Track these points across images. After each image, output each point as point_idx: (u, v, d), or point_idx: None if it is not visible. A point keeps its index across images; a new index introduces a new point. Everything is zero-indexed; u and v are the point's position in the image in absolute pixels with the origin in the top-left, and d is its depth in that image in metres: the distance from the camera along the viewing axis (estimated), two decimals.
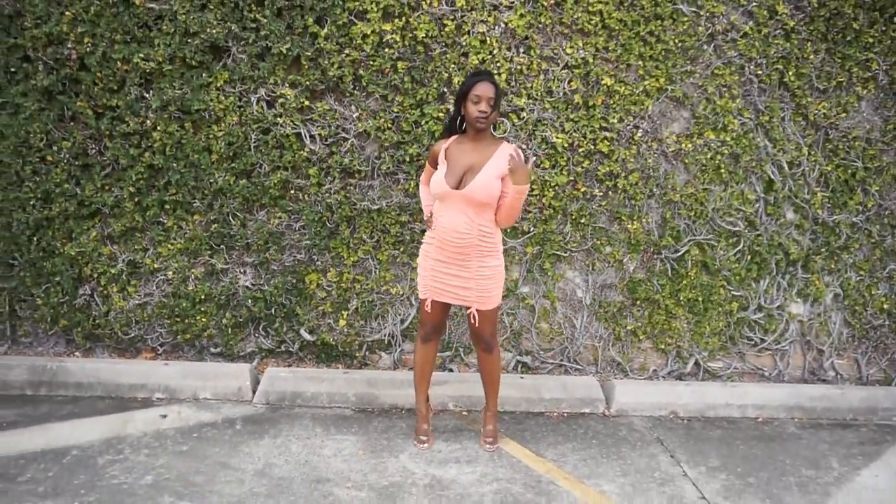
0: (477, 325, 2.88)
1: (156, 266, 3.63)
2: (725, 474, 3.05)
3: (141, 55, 3.30)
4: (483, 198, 2.67)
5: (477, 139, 2.76)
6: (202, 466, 2.79)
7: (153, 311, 3.69)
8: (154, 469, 2.74)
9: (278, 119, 3.48)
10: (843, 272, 4.07)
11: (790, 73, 3.72)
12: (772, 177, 3.87)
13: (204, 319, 3.70)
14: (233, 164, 3.52)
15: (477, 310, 2.84)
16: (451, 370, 3.91)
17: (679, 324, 4.00)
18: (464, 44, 3.51)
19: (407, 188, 3.65)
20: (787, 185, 3.89)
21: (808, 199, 3.92)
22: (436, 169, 2.84)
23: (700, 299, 3.95)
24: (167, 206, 3.55)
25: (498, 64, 3.54)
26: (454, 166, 2.74)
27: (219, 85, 3.40)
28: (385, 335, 3.86)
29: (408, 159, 3.60)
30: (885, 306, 4.12)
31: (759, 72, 3.72)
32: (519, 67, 3.57)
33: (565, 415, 3.57)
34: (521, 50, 3.58)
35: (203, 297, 3.65)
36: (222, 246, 3.63)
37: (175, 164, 3.46)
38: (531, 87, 3.60)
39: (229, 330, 3.73)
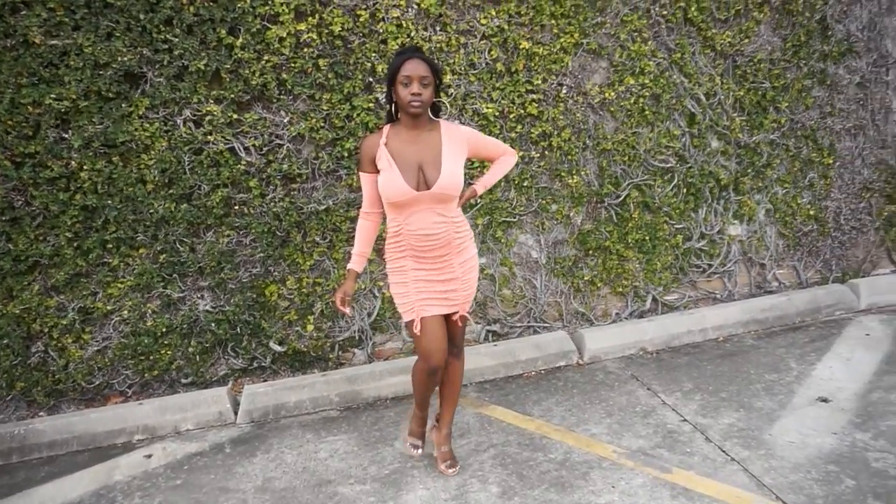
0: (454, 330, 2.59)
1: (108, 308, 3.52)
2: (700, 395, 3.25)
3: (52, 95, 3.16)
4: (454, 191, 2.39)
5: (415, 126, 2.38)
6: (201, 496, 2.77)
7: (114, 355, 3.59)
8: None
9: (209, 137, 3.42)
10: (770, 188, 4.34)
11: (692, 9, 3.91)
12: (692, 110, 4.07)
13: (169, 352, 3.63)
14: (170, 191, 3.44)
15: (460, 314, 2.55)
16: None
17: (631, 265, 4.18)
18: (381, 31, 3.51)
19: (350, 183, 3.66)
20: (708, 115, 4.10)
21: (728, 126, 4.14)
22: (374, 173, 2.41)
23: (647, 238, 4.14)
24: (109, 246, 3.44)
25: (417, 45, 3.57)
26: (403, 164, 2.34)
27: (141, 112, 3.30)
28: (354, 332, 3.88)
29: (346, 154, 3.61)
30: (811, 213, 4.43)
31: (665, 12, 3.89)
32: (438, 45, 3.61)
33: (542, 372, 3.70)
34: (438, 28, 3.62)
35: (164, 329, 3.58)
36: (174, 275, 3.56)
37: (110, 201, 3.35)
38: (454, 63, 3.65)
39: (197, 357, 3.67)
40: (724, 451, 2.72)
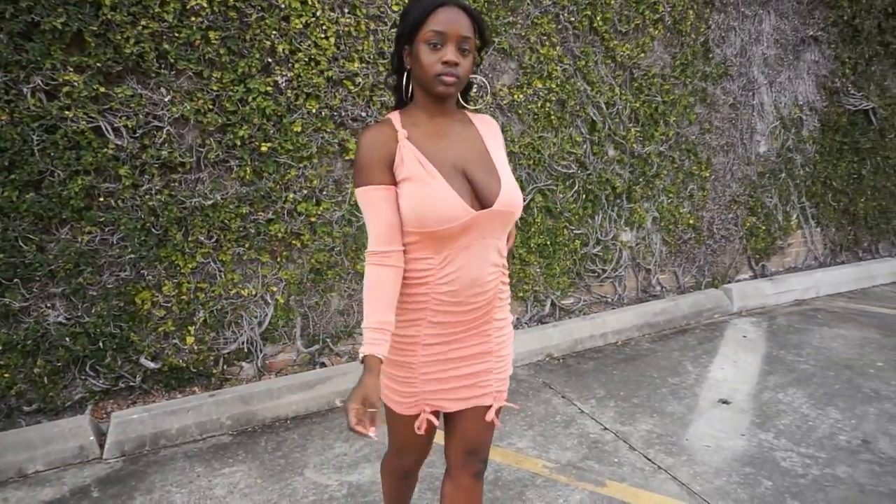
0: (483, 432, 1.61)
1: None
2: (613, 401, 3.26)
3: None
4: (520, 210, 1.52)
5: (441, 113, 1.49)
6: None
7: None
8: None
9: (66, 112, 2.80)
10: (657, 197, 4.54)
11: (598, 19, 3.95)
12: (594, 118, 4.12)
13: (7, 374, 2.93)
14: (11, 176, 2.76)
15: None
16: (323, 364, 3.62)
17: (532, 270, 4.14)
18: (282, 6, 3.12)
19: (242, 175, 3.21)
20: (607, 124, 4.17)
21: (624, 136, 4.26)
22: (393, 185, 1.42)
23: (548, 243, 4.13)
24: None
25: (324, 27, 3.23)
26: (445, 170, 1.43)
27: None
28: (242, 343, 3.43)
29: (238, 143, 3.16)
30: (691, 222, 4.70)
31: (572, 18, 3.89)
32: (346, 29, 3.29)
33: None
34: (346, 10, 3.30)
35: (0, 347, 2.89)
36: (16, 279, 2.88)
37: None
38: (362, 50, 3.35)
39: (45, 379, 3.01)
40: (649, 460, 2.72)
